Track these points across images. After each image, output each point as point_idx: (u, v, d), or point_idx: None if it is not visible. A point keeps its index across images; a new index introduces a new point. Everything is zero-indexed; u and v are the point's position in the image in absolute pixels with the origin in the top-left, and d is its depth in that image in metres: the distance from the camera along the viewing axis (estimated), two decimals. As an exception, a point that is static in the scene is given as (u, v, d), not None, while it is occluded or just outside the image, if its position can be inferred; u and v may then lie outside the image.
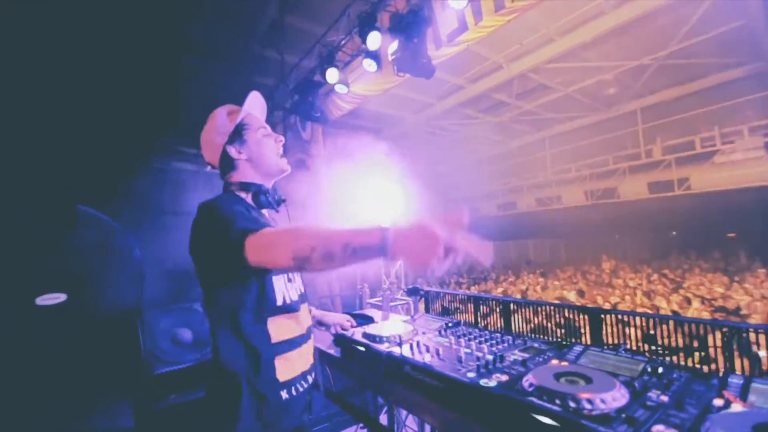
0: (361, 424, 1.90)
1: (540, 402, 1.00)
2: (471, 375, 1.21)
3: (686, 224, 13.38)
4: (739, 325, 1.57)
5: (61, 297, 1.92)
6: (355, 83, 5.90)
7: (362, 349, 1.65)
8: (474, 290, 10.23)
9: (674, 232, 15.02)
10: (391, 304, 4.17)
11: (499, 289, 9.85)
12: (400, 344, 1.58)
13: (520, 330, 2.32)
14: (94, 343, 1.97)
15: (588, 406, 0.95)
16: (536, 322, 2.43)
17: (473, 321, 2.59)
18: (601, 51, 8.71)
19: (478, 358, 1.33)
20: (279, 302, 1.18)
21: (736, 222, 11.89)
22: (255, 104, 1.31)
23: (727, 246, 12.87)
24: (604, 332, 1.97)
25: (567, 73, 9.63)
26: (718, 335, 1.61)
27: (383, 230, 0.81)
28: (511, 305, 2.36)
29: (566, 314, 2.13)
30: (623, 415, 0.90)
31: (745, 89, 8.92)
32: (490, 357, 1.35)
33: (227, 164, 1.24)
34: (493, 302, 2.48)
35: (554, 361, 1.30)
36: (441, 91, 10.31)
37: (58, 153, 3.49)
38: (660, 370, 1.15)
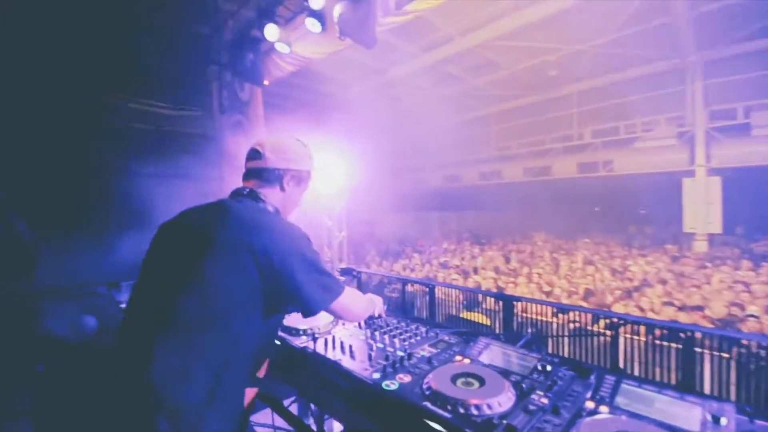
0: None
1: (434, 408, 1.04)
2: (376, 376, 1.23)
3: (606, 201, 14.70)
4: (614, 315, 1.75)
5: None
6: (299, 43, 5.47)
7: (278, 342, 1.62)
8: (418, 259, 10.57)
9: (597, 208, 16.45)
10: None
11: (456, 261, 10.19)
12: (314, 339, 1.56)
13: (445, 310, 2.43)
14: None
15: (475, 412, 1.00)
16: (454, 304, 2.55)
17: (401, 300, 2.67)
18: (546, 33, 8.93)
19: (387, 356, 1.35)
20: None
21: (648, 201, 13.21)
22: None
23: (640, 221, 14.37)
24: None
25: (514, 51, 9.80)
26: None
27: None
28: (436, 289, 2.44)
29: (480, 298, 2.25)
30: (504, 422, 0.96)
31: (666, 82, 9.73)
32: (400, 354, 1.38)
33: (272, 179, 1.27)
34: (417, 285, 2.56)
35: (458, 358, 1.35)
36: (393, 58, 10.02)
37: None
38: (548, 368, 1.24)
